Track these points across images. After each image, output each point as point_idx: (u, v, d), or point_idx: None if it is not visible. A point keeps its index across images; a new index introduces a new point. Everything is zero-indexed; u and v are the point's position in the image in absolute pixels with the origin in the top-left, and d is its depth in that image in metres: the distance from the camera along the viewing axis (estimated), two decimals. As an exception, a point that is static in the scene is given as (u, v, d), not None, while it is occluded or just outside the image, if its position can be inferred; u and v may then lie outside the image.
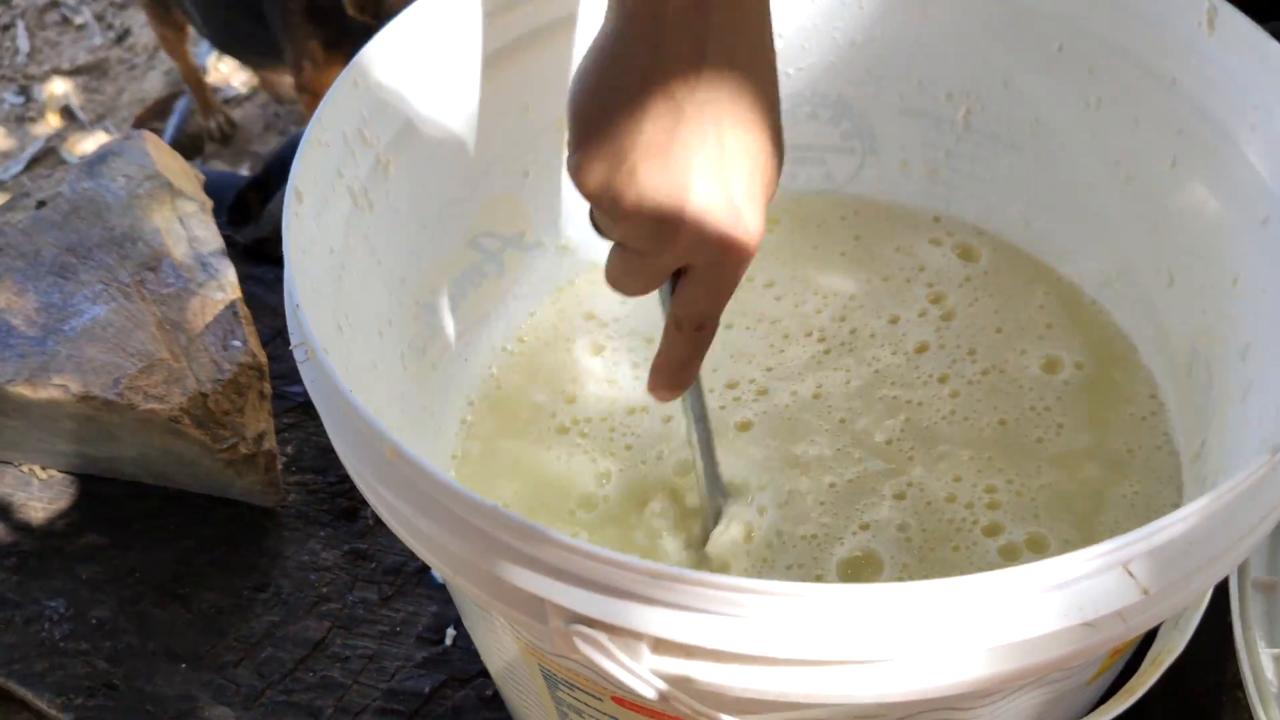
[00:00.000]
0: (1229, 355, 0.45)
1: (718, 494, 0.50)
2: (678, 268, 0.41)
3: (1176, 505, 0.48)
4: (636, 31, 0.38)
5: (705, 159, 0.38)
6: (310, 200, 0.43)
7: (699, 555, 0.50)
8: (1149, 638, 0.40)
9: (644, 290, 0.42)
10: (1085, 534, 0.48)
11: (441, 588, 0.69)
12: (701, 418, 0.48)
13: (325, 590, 0.69)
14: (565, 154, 0.60)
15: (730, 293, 0.41)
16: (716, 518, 0.50)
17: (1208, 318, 0.47)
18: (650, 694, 0.31)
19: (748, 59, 0.39)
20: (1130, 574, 0.29)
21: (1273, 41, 0.44)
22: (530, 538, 0.30)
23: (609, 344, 0.60)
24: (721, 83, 0.38)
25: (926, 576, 0.46)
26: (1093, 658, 0.36)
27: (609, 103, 0.39)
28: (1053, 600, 0.29)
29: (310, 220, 0.43)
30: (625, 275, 0.42)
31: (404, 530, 0.35)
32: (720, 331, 0.43)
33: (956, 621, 0.29)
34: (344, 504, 0.73)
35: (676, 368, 0.44)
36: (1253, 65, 0.44)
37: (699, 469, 0.49)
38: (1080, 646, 0.30)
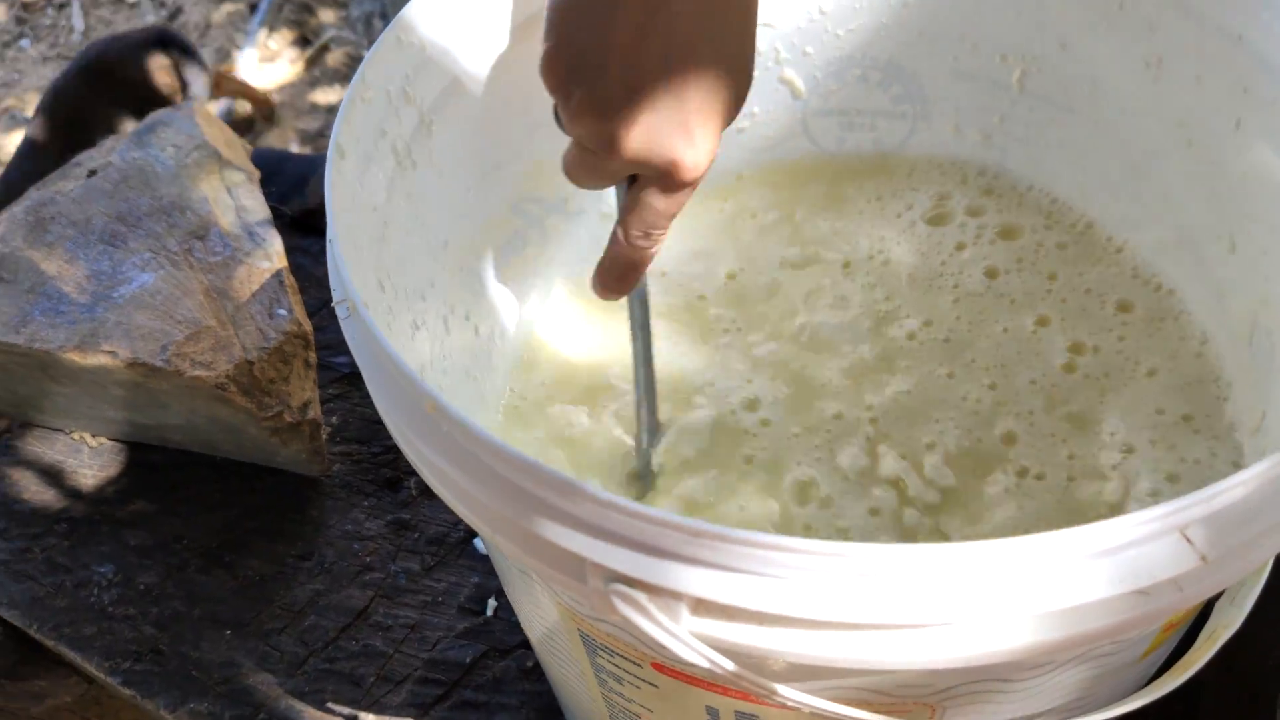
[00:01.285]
0: (1293, 322, 0.43)
1: (652, 412, 0.51)
2: (628, 174, 0.42)
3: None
4: None
5: (665, 73, 0.38)
6: (353, 157, 0.43)
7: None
8: (1202, 616, 0.39)
9: (594, 186, 0.44)
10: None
11: (484, 558, 0.69)
12: (643, 325, 0.49)
13: (368, 560, 0.69)
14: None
15: (675, 209, 0.42)
16: (650, 436, 0.51)
17: (1270, 286, 0.45)
18: (689, 656, 0.31)
19: None
20: (1188, 539, 0.28)
21: (1346, -6, 0.42)
22: (569, 494, 0.30)
23: (654, 313, 0.60)
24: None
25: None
26: (1146, 629, 0.34)
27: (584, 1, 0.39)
28: (1105, 565, 0.28)
29: (353, 177, 0.42)
30: (577, 168, 0.43)
31: (443, 487, 0.35)
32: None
33: (1004, 585, 0.28)
34: (388, 474, 0.73)
35: (619, 271, 0.45)
36: (1325, 19, 0.42)
37: (636, 377, 0.49)
38: (1133, 615, 0.29)
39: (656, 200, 0.42)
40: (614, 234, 0.45)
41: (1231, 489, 0.28)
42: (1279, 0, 0.44)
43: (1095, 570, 0.28)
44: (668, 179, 0.41)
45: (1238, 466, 0.47)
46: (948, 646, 0.28)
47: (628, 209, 0.43)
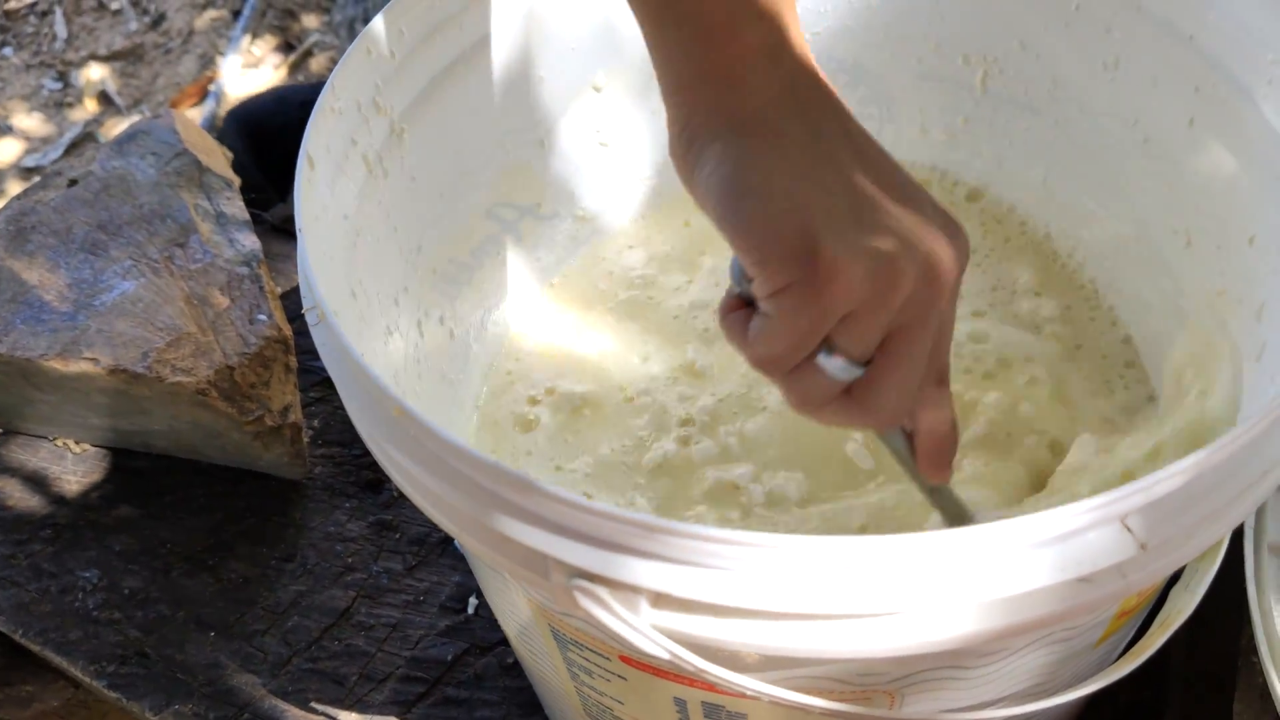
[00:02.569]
0: (1244, 316, 0.44)
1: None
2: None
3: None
4: (772, 131, 0.34)
5: (906, 211, 0.33)
6: (323, 167, 0.44)
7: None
8: (1160, 601, 0.40)
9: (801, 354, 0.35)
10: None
11: (464, 558, 0.70)
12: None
13: (351, 560, 0.70)
14: (582, 123, 0.60)
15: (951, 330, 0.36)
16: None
17: (1224, 279, 0.46)
18: (651, 649, 0.32)
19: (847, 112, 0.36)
20: (1128, 528, 0.29)
21: (1291, -5, 0.43)
22: (529, 493, 0.31)
23: (628, 315, 0.61)
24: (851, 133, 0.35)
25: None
26: (1094, 615, 0.35)
27: (774, 188, 0.33)
28: (1047, 554, 0.29)
29: (323, 187, 0.43)
30: (788, 343, 0.34)
31: (412, 489, 0.35)
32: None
33: (952, 575, 0.29)
34: (369, 476, 0.74)
35: (945, 440, 0.38)
36: (1271, 19, 0.43)
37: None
38: (1079, 602, 0.30)
39: (940, 333, 0.35)
40: (920, 435, 0.38)
41: (1169, 479, 0.29)
42: (1224, 3, 0.45)
43: (1039, 559, 0.29)
44: (937, 303, 0.34)
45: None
46: (897, 635, 0.29)
47: (916, 364, 0.35)
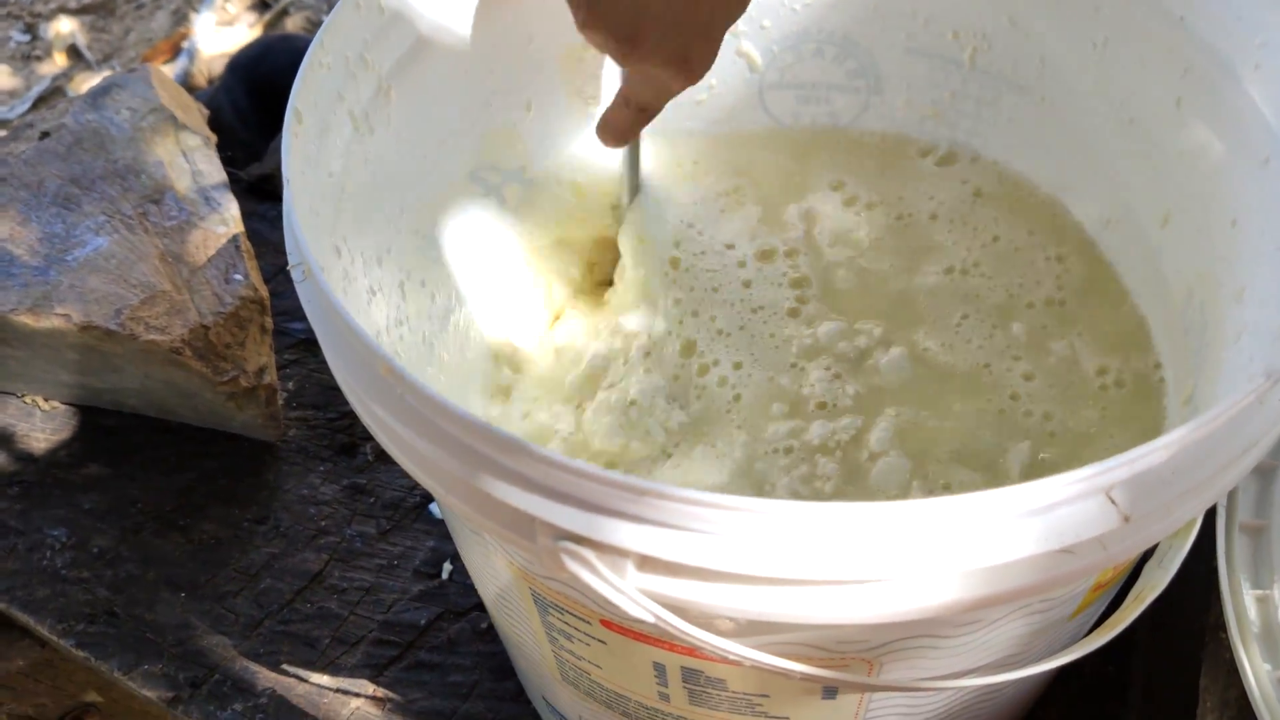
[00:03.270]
0: (1224, 298, 0.45)
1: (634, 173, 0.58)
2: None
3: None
4: None
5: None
6: (310, 122, 0.43)
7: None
8: (1133, 578, 0.40)
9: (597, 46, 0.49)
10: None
11: (440, 523, 0.69)
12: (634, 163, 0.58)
13: (324, 524, 0.69)
14: (568, 87, 0.60)
15: (674, 95, 0.50)
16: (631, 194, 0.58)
17: (1205, 260, 0.47)
18: (635, 612, 0.32)
19: None
20: (1112, 500, 0.29)
21: (1282, -21, 0.43)
22: (518, 454, 0.31)
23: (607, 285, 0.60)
24: None
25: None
26: (1074, 586, 0.36)
27: None
28: (1032, 525, 0.29)
29: (310, 141, 0.43)
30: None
31: (397, 449, 0.35)
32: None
33: (936, 543, 0.29)
34: (344, 440, 0.73)
35: (620, 132, 0.54)
36: (1259, 3, 0.44)
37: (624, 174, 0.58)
38: (1060, 573, 0.30)
39: (657, 88, 0.50)
40: (616, 102, 0.52)
41: (1153, 452, 0.29)
42: (1217, -16, 0.45)
43: (1024, 529, 0.30)
44: (668, 81, 0.48)
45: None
46: (880, 602, 0.30)
47: (631, 86, 0.51)
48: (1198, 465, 0.30)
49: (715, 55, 0.49)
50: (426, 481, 0.35)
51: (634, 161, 0.59)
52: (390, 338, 0.50)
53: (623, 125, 0.53)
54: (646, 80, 0.50)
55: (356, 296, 0.45)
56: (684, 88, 0.50)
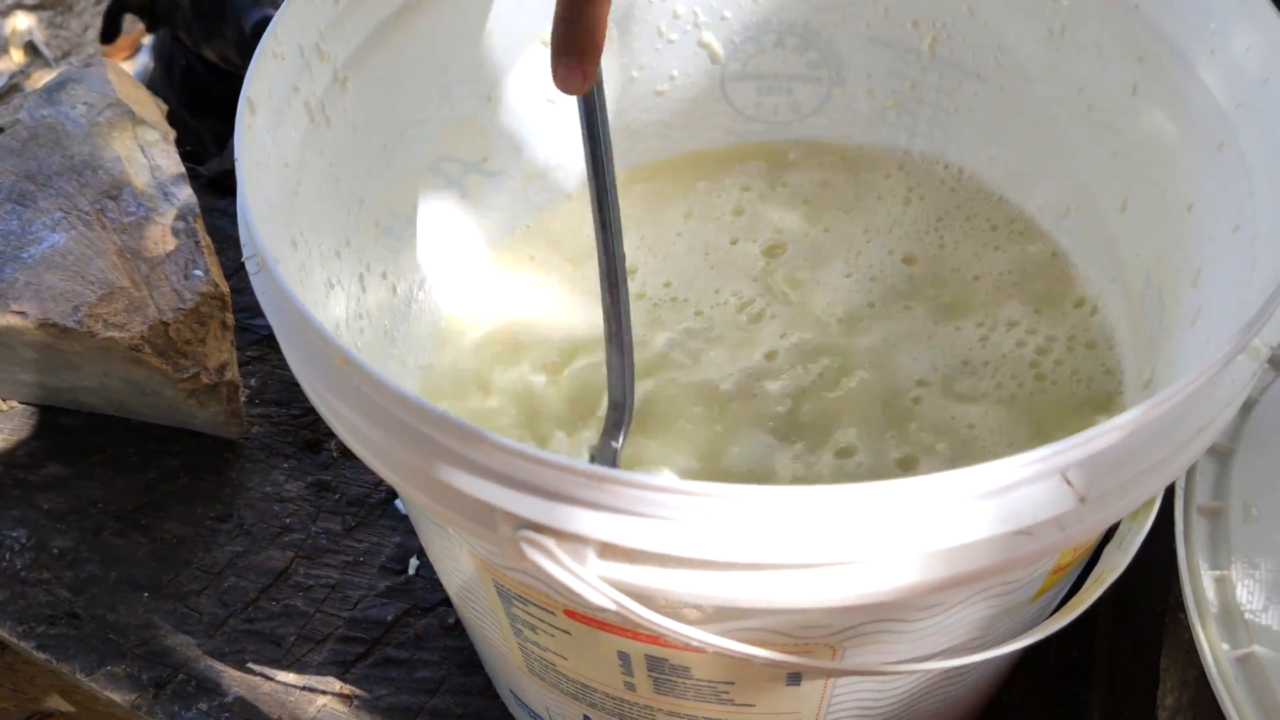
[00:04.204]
0: (1180, 282, 0.45)
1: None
2: None
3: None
4: None
5: None
6: (264, 113, 0.43)
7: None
8: (1094, 560, 0.41)
9: None
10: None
11: (405, 519, 0.69)
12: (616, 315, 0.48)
13: (289, 521, 0.69)
14: (530, 79, 0.60)
15: None
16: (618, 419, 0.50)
17: (1163, 245, 0.47)
18: (597, 600, 0.32)
19: None
20: (1068, 481, 0.29)
21: (1233, -36, 0.44)
22: (475, 442, 0.30)
23: (573, 273, 0.60)
24: None
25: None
26: (1032, 568, 0.36)
27: None
28: (988, 506, 0.29)
29: (264, 133, 0.42)
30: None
31: (356, 441, 0.35)
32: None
33: (893, 526, 0.29)
34: (308, 436, 0.73)
35: (575, 39, 0.41)
36: (1212, -11, 0.44)
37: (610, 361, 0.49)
38: (1018, 554, 0.30)
39: None
40: (555, 14, 0.41)
41: (1108, 433, 0.29)
42: (1170, -29, 0.46)
43: (980, 511, 0.30)
44: None
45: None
46: (839, 586, 0.30)
47: None
48: (1153, 445, 0.31)
49: None
50: (385, 473, 0.34)
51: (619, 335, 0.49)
52: (350, 331, 0.49)
53: (574, 37, 0.41)
54: None
55: (314, 289, 0.45)
56: None
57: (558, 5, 0.41)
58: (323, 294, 0.46)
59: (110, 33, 1.20)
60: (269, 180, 0.42)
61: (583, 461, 0.29)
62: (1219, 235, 0.42)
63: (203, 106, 1.19)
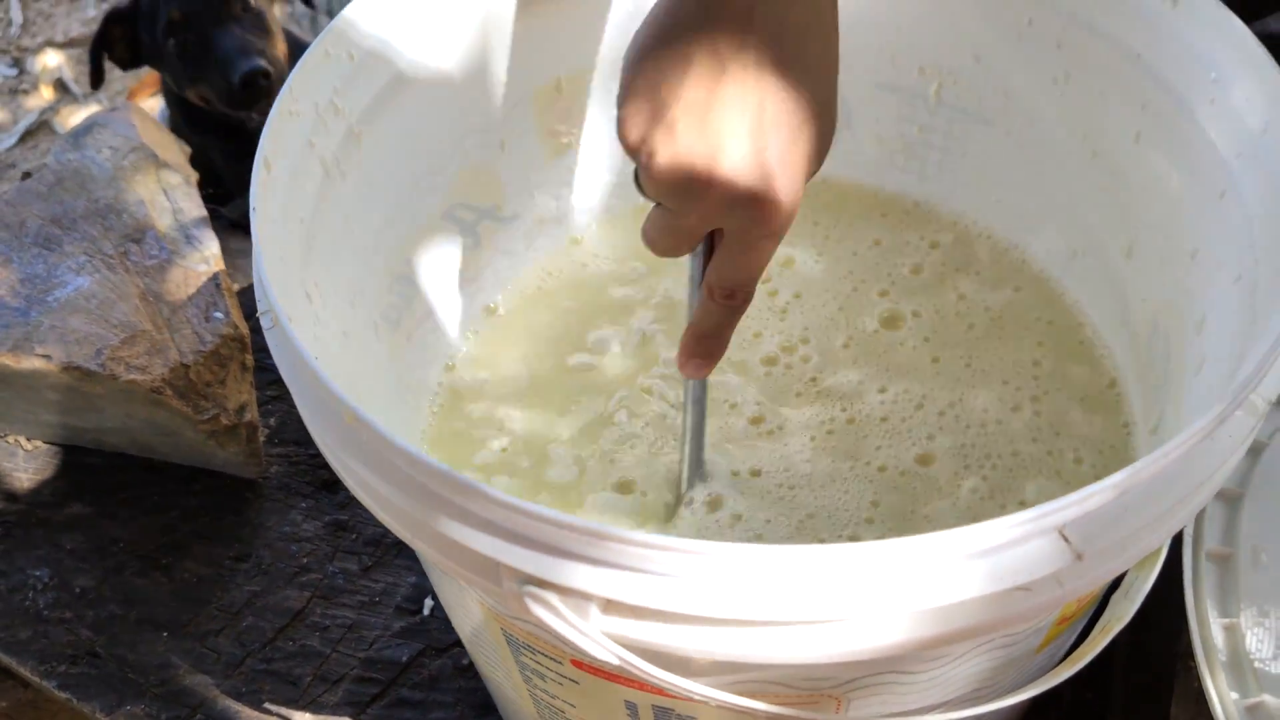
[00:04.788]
0: (1186, 328, 0.45)
1: (697, 478, 0.51)
2: (709, 230, 0.41)
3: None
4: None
5: (742, 120, 0.37)
6: (280, 170, 0.44)
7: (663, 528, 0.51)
8: (1102, 607, 0.41)
9: (674, 252, 0.42)
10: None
11: (420, 559, 0.70)
12: (699, 400, 0.48)
13: (306, 560, 0.69)
14: (543, 124, 0.61)
15: (762, 261, 0.41)
16: (691, 480, 0.51)
17: (1169, 291, 0.48)
18: (601, 655, 0.32)
19: (801, 22, 0.38)
20: (1064, 538, 0.30)
21: (1233, 17, 0.44)
22: (480, 499, 0.31)
23: (589, 319, 0.61)
24: (769, 44, 0.37)
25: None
26: (1034, 623, 0.36)
27: (657, 57, 0.38)
28: (987, 563, 0.30)
29: (279, 189, 0.43)
30: (657, 233, 0.41)
31: (366, 495, 0.36)
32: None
33: (893, 584, 0.29)
34: (325, 475, 0.74)
35: (708, 337, 0.44)
36: (1213, 39, 0.44)
37: (684, 451, 0.50)
38: (1015, 610, 0.31)
39: (740, 254, 0.40)
40: (701, 302, 0.43)
41: (1104, 490, 0.30)
42: (1171, 24, 0.46)
43: (979, 568, 0.30)
44: (749, 231, 0.39)
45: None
46: (838, 642, 0.30)
47: (713, 269, 0.42)
48: (1150, 501, 0.31)
49: (800, 187, 0.39)
50: (395, 527, 0.35)
51: (699, 413, 0.49)
52: (365, 380, 0.50)
53: (712, 324, 0.43)
54: (732, 247, 0.40)
55: (329, 340, 0.45)
56: (772, 229, 0.39)
57: (698, 316, 0.44)
58: (337, 345, 0.47)
59: (97, 78, 1.22)
60: (283, 235, 0.43)
61: (579, 518, 0.30)
62: (1222, 283, 0.43)
63: (202, 124, 1.21)
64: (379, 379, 0.52)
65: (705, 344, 0.44)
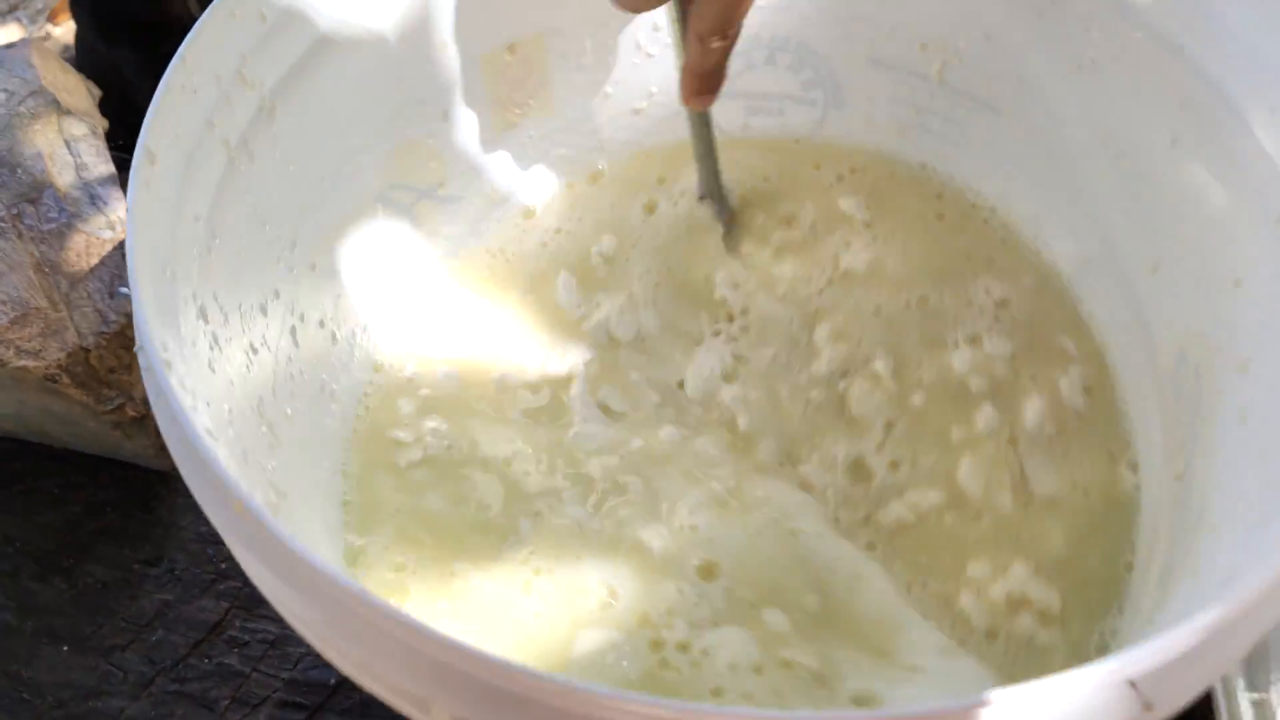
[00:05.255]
0: (1224, 366, 0.40)
1: (717, 195, 0.54)
2: None
3: (1142, 527, 0.44)
4: None
5: None
6: (169, 161, 0.36)
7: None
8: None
9: (645, 4, 0.45)
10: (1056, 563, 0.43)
11: (353, 563, 0.64)
12: (701, 130, 0.52)
13: (224, 566, 0.63)
14: (492, 94, 0.53)
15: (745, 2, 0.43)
16: (721, 214, 0.54)
17: (1202, 320, 0.42)
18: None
19: None
20: (1134, 687, 0.25)
21: (1304, 10, 0.38)
22: (413, 633, 0.25)
23: (535, 308, 0.54)
24: None
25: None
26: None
27: None
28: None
29: (165, 185, 0.36)
30: None
31: (268, 593, 0.29)
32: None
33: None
34: (248, 467, 0.67)
35: (705, 75, 0.47)
36: (1277, 37, 0.38)
37: (700, 170, 0.54)
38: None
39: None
40: (690, 46, 0.46)
41: (1176, 641, 0.25)
42: (1223, 13, 0.40)
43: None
44: None
45: (1155, 515, 0.44)
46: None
47: (697, 18, 0.44)
48: (1224, 645, 0.26)
49: None
50: (308, 637, 0.29)
51: (706, 138, 0.52)
52: (281, 394, 0.43)
53: (708, 65, 0.46)
54: None
55: (233, 361, 0.39)
56: None
57: (695, 60, 0.46)
58: (244, 364, 0.40)
59: None
60: (169, 242, 0.36)
61: (524, 666, 0.24)
62: (1274, 323, 0.37)
63: (117, 32, 1.09)
64: (297, 391, 0.45)
65: (707, 81, 0.47)
